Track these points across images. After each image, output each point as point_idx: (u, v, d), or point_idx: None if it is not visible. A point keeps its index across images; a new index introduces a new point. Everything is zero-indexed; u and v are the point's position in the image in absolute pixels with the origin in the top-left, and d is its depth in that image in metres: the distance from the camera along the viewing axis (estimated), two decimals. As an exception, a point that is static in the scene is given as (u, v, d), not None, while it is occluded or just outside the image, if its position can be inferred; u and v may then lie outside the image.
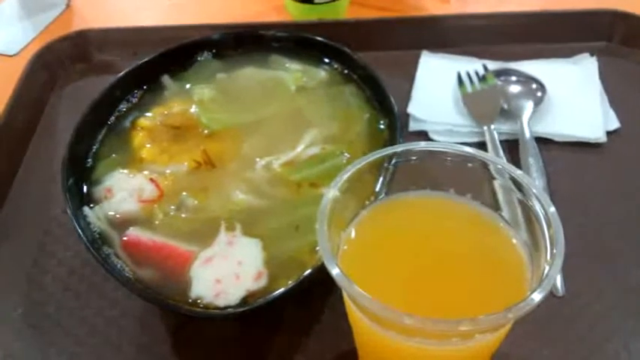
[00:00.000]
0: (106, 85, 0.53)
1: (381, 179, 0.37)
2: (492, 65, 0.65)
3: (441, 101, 0.62)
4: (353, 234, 0.36)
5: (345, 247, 0.35)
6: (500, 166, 0.36)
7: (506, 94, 0.61)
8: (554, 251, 0.31)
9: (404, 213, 0.38)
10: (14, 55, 0.74)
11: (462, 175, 0.37)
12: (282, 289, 0.39)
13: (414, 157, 0.37)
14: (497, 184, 0.36)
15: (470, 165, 0.37)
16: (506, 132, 0.58)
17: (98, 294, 0.49)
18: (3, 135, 0.59)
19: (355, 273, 0.30)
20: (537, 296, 0.29)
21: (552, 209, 0.33)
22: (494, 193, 0.37)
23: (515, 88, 0.62)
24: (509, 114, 0.60)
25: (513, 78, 0.63)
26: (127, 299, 0.48)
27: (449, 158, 0.37)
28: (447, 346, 0.32)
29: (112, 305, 0.48)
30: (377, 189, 0.37)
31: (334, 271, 0.30)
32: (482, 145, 0.57)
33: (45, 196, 0.57)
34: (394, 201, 0.38)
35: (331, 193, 0.34)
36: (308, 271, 0.39)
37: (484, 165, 0.36)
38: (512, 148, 0.57)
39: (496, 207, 0.37)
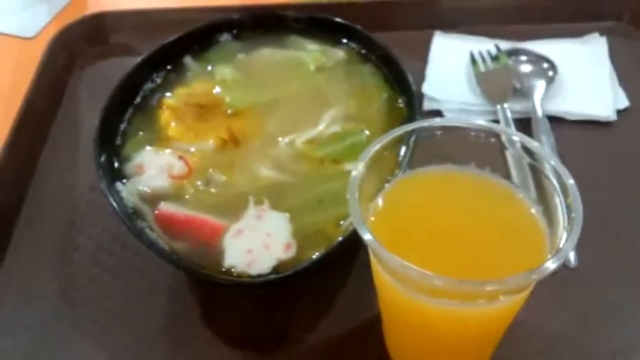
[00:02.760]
0: (129, 66, 0.55)
1: (402, 154, 0.38)
2: (504, 45, 0.66)
3: (455, 81, 0.64)
4: (380, 205, 0.38)
5: (373, 218, 0.37)
6: (517, 139, 0.37)
7: (519, 74, 0.63)
8: (573, 220, 0.32)
9: (428, 186, 0.40)
10: (31, 37, 0.75)
11: (481, 150, 0.39)
12: (311, 259, 0.41)
13: (436, 133, 0.39)
14: (510, 155, 0.38)
15: (490, 140, 0.38)
16: (518, 111, 0.60)
17: (128, 267, 0.51)
18: (27, 116, 0.61)
19: (383, 240, 0.32)
20: (558, 260, 0.31)
21: (572, 181, 0.34)
22: (513, 168, 0.39)
23: (527, 68, 0.64)
24: (522, 93, 0.61)
25: (525, 57, 0.65)
26: (155, 271, 0.49)
27: (472, 133, 0.39)
28: (472, 308, 0.34)
29: (142, 277, 0.50)
30: (400, 163, 0.38)
31: (366, 237, 0.32)
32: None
33: (71, 174, 0.59)
34: (417, 175, 0.39)
35: (360, 166, 0.36)
36: (336, 242, 0.41)
37: (503, 139, 0.38)
38: (524, 126, 0.59)
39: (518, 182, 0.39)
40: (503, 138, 0.38)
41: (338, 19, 0.57)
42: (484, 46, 0.66)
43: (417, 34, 0.69)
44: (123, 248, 0.52)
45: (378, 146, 0.37)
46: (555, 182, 0.35)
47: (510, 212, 0.38)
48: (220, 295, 0.48)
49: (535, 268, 0.30)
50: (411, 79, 0.52)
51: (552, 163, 0.36)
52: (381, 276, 0.36)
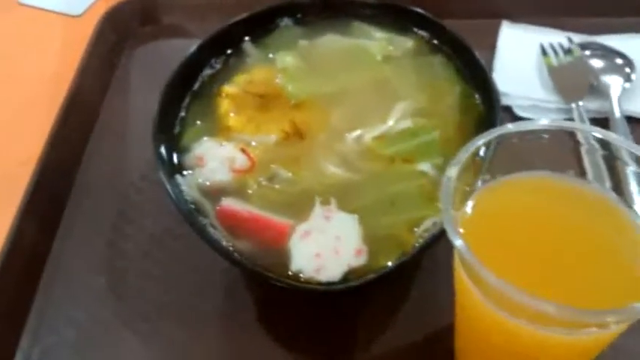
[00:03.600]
0: (188, 49, 0.52)
1: (487, 160, 0.35)
2: (576, 38, 0.62)
3: (525, 74, 0.60)
4: (468, 214, 0.35)
5: (462, 229, 0.34)
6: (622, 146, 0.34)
7: (593, 69, 0.59)
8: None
9: (518, 194, 0.37)
10: (78, 15, 0.73)
11: (558, 151, 0.36)
12: (386, 267, 0.38)
13: (525, 137, 0.36)
14: (586, 153, 0.36)
15: (570, 140, 0.35)
16: (594, 110, 0.56)
17: (180, 262, 0.49)
18: (75, 99, 0.59)
19: (476, 253, 0.29)
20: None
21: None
22: (613, 175, 0.36)
23: (602, 63, 0.60)
24: (597, 90, 0.57)
25: (599, 52, 0.61)
26: (210, 267, 0.47)
27: (574, 138, 0.35)
28: (575, 335, 0.31)
29: (195, 272, 0.48)
30: (485, 170, 0.35)
31: (465, 252, 0.29)
32: (569, 123, 0.55)
33: (120, 161, 0.57)
34: (506, 182, 0.36)
35: (453, 171, 0.33)
36: (413, 250, 0.38)
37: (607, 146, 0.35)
38: (600, 127, 0.55)
39: (617, 191, 0.35)
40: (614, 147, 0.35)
41: (409, 7, 0.53)
42: (554, 38, 0.62)
43: (482, 22, 0.66)
44: (175, 241, 0.50)
45: (470, 151, 0.34)
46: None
47: (610, 225, 0.35)
48: (276, 296, 0.45)
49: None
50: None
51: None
52: (469, 292, 0.33)
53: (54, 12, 0.73)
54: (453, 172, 0.33)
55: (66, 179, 0.55)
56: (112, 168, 0.56)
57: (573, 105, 0.56)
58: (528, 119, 0.56)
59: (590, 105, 0.56)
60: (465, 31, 0.60)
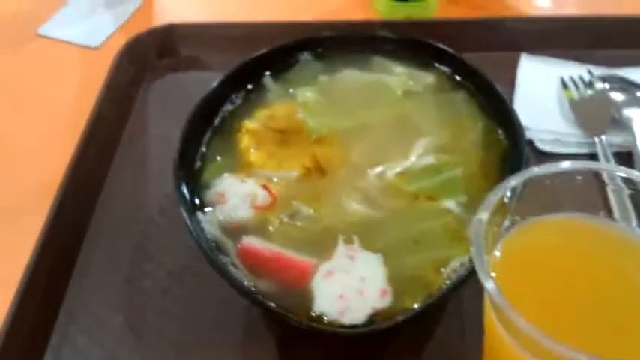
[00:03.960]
0: (208, 84, 0.52)
1: (516, 201, 0.34)
2: (597, 71, 0.62)
3: (546, 108, 0.60)
4: (498, 257, 0.34)
5: (493, 273, 0.33)
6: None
7: (615, 103, 0.59)
8: None
9: (548, 236, 0.36)
10: (96, 47, 0.73)
11: (585, 191, 0.35)
12: (413, 310, 0.37)
13: (555, 178, 0.35)
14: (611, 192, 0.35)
15: (595, 180, 0.35)
16: (617, 144, 0.55)
17: (198, 298, 0.48)
18: (94, 130, 0.58)
19: (508, 298, 0.29)
20: None
21: None
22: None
23: (623, 96, 0.59)
24: (619, 124, 0.57)
25: (621, 85, 0.60)
26: (230, 305, 0.46)
27: (599, 177, 0.35)
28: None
29: (214, 310, 0.47)
30: (513, 211, 0.35)
31: (500, 300, 0.29)
32: (592, 158, 0.54)
33: (139, 195, 0.56)
34: (536, 224, 0.36)
35: (484, 214, 0.32)
36: (440, 292, 0.38)
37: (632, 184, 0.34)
38: (624, 161, 0.54)
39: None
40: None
41: (431, 42, 0.53)
42: (574, 70, 0.62)
43: (500, 55, 0.65)
44: (194, 278, 0.49)
45: (500, 194, 0.33)
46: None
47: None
48: (300, 336, 0.44)
49: None
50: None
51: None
52: (499, 335, 0.32)
53: (73, 43, 0.74)
54: (484, 215, 0.32)
55: (84, 213, 0.54)
56: (131, 202, 0.55)
57: (596, 139, 0.55)
58: (550, 153, 0.56)
59: (613, 139, 0.56)
60: (483, 64, 0.60)
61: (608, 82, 0.60)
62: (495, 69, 0.63)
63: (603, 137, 0.55)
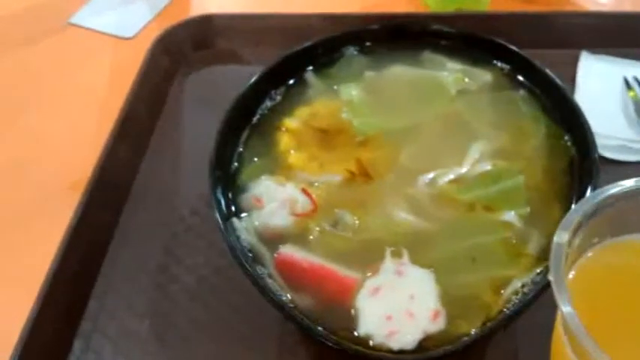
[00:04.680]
0: (246, 80, 0.48)
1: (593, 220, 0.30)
2: (662, 71, 0.57)
3: (608, 110, 0.55)
4: (572, 280, 0.30)
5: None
6: None
7: (685, 107, 0.53)
8: None
9: (627, 258, 0.32)
10: (130, 38, 0.71)
11: None
12: (468, 336, 0.33)
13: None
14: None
15: None
16: (689, 152, 0.50)
17: (231, 308, 0.45)
18: (126, 124, 0.56)
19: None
20: None
21: None
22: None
23: (694, 100, 0.54)
24: (691, 130, 0.52)
25: (690, 87, 0.55)
26: (264, 316, 0.43)
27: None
28: None
29: (246, 320, 0.44)
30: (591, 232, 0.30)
31: (576, 326, 0.25)
32: (663, 167, 0.49)
33: (171, 194, 0.53)
34: (613, 245, 0.32)
35: (563, 237, 0.28)
36: (501, 317, 0.34)
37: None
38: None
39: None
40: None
41: (489, 37, 0.49)
42: (639, 70, 0.57)
43: (559, 53, 0.60)
44: (226, 284, 0.46)
45: (581, 213, 0.29)
46: None
47: None
48: (337, 356, 0.41)
49: None
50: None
51: None
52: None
53: (105, 33, 0.71)
54: (564, 237, 0.28)
55: (112, 211, 0.52)
56: (162, 201, 0.52)
57: (667, 147, 0.50)
58: (616, 161, 0.51)
59: (685, 147, 0.51)
60: (541, 61, 0.56)
61: (677, 84, 0.55)
62: (552, 67, 0.58)
63: (675, 145, 0.50)
